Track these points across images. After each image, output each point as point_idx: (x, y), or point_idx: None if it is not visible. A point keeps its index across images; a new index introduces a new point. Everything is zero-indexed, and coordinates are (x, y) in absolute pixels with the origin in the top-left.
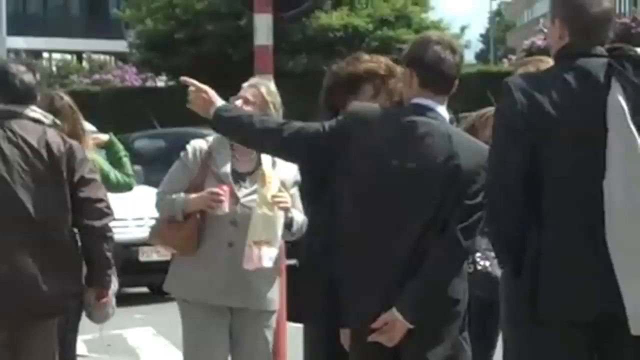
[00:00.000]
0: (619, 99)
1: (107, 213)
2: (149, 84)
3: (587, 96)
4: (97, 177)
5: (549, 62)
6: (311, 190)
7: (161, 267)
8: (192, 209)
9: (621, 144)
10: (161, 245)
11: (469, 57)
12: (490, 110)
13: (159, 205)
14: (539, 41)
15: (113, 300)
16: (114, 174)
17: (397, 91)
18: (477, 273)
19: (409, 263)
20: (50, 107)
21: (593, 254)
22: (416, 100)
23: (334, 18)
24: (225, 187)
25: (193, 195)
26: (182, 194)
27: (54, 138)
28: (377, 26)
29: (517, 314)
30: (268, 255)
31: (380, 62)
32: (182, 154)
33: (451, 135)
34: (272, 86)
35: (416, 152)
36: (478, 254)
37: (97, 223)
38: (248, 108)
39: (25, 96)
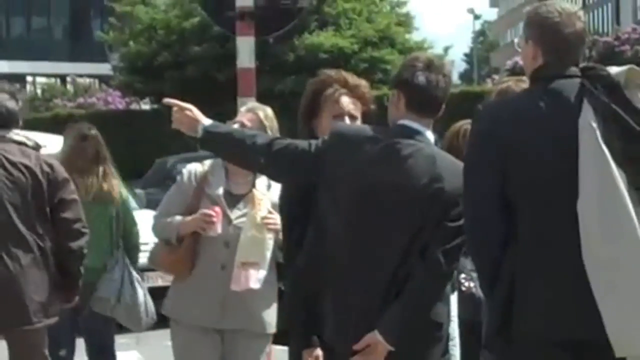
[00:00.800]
0: (589, 121)
1: (83, 233)
2: (134, 106)
3: (558, 119)
4: (77, 197)
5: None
6: (294, 209)
7: (165, 293)
8: (186, 231)
9: (593, 165)
10: (159, 269)
11: (453, 77)
12: (463, 122)
13: (155, 229)
14: (522, 61)
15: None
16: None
17: (344, 103)
18: (462, 294)
19: (391, 285)
20: (80, 137)
21: (568, 275)
22: (402, 121)
23: (321, 38)
24: (217, 209)
25: (187, 218)
26: (178, 217)
27: (37, 160)
28: (362, 47)
29: (491, 334)
30: (256, 277)
31: (331, 75)
32: (178, 177)
33: (435, 157)
34: (270, 111)
35: (399, 173)
36: (463, 275)
37: (74, 245)
38: None
39: (9, 121)
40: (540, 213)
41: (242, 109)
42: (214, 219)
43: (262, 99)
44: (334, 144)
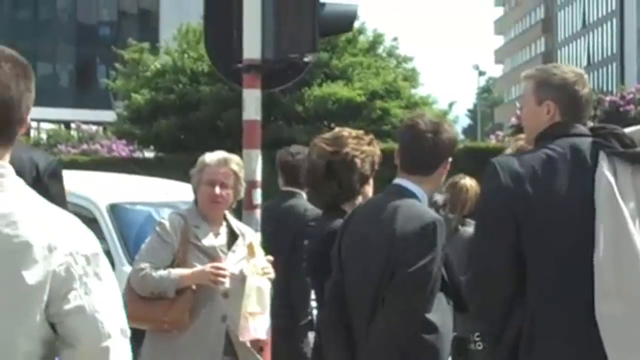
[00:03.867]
0: (606, 175)
1: None
2: (137, 154)
3: (574, 174)
4: None
5: None
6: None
7: None
8: (188, 284)
9: (610, 221)
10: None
11: (457, 132)
12: (458, 177)
13: (140, 282)
14: None
15: None
16: None
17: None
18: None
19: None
20: None
21: (579, 332)
22: (396, 181)
23: (331, 89)
24: (223, 262)
25: (188, 271)
26: (174, 270)
27: None
28: (369, 99)
29: None
30: (262, 326)
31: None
32: (157, 228)
33: (399, 207)
34: (237, 158)
35: (369, 230)
36: (477, 334)
37: None
38: (225, 192)
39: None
40: (553, 268)
41: (212, 162)
42: (226, 272)
43: (269, 147)
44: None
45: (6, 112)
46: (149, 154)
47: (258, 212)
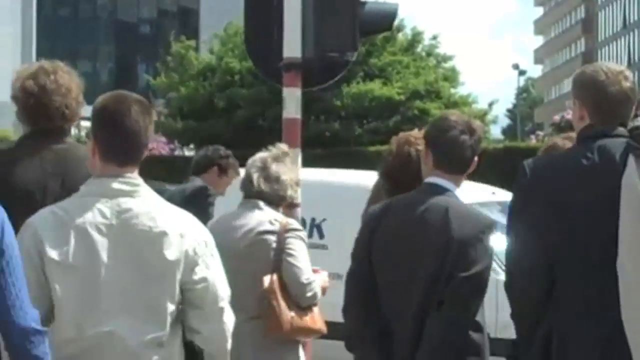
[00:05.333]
0: (633, 178)
1: None
2: (177, 153)
3: (602, 176)
4: None
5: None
6: None
7: None
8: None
9: (635, 222)
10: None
11: (496, 132)
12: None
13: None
14: (568, 115)
15: None
16: None
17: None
18: None
19: (414, 337)
20: None
21: (607, 336)
22: (429, 179)
23: (369, 87)
24: None
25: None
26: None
27: None
28: (409, 98)
29: None
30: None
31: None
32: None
33: (448, 208)
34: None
35: (414, 230)
36: None
37: None
38: None
39: None
40: (581, 269)
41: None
42: None
43: (309, 145)
44: (369, 229)
45: (138, 139)
46: (189, 153)
47: (299, 211)
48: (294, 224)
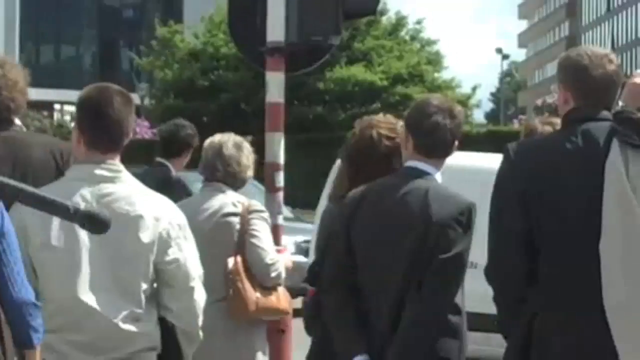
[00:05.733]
0: (616, 162)
1: None
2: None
3: (585, 160)
4: None
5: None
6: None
7: None
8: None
9: (617, 206)
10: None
11: (479, 116)
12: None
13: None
14: (550, 99)
15: None
16: None
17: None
18: None
19: (394, 319)
20: None
21: (590, 319)
22: (410, 163)
23: (352, 71)
24: None
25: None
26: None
27: None
28: (391, 83)
29: None
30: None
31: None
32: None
33: (428, 190)
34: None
35: (395, 212)
36: None
37: None
38: None
39: None
40: (563, 253)
41: None
42: None
43: (290, 130)
44: (347, 215)
45: (120, 128)
46: None
47: (280, 195)
48: (257, 205)
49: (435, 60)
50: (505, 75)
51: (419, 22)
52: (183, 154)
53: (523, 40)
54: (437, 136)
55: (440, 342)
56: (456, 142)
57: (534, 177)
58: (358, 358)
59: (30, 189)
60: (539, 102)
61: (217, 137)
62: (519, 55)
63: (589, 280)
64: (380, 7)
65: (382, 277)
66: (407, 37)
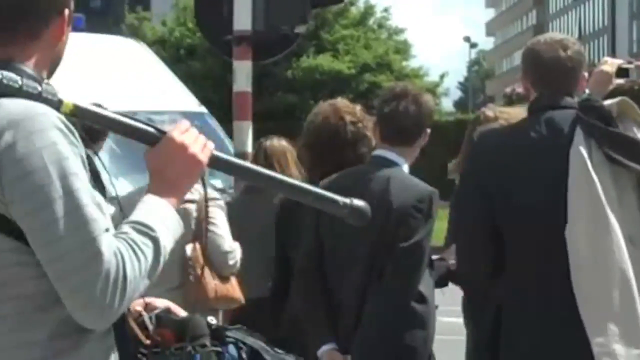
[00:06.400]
0: (580, 149)
1: None
2: None
3: (549, 148)
4: None
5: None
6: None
7: None
8: None
9: (582, 194)
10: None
11: (448, 105)
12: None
13: None
14: (519, 88)
15: None
16: None
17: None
18: None
19: (358, 310)
20: None
21: (557, 306)
22: (377, 152)
23: (319, 61)
24: None
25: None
26: None
27: None
28: (359, 72)
29: None
30: None
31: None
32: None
33: (390, 178)
34: None
35: (361, 194)
36: None
37: None
38: None
39: None
40: (529, 242)
41: None
42: None
43: (259, 119)
44: None
45: None
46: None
47: None
48: (213, 193)
49: (402, 49)
50: (473, 64)
51: (385, 10)
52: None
53: (490, 28)
54: (396, 121)
55: (404, 332)
56: (425, 130)
57: (497, 167)
58: (325, 347)
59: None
60: (508, 90)
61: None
62: (486, 43)
63: (556, 265)
64: None
65: (346, 269)
66: (375, 26)
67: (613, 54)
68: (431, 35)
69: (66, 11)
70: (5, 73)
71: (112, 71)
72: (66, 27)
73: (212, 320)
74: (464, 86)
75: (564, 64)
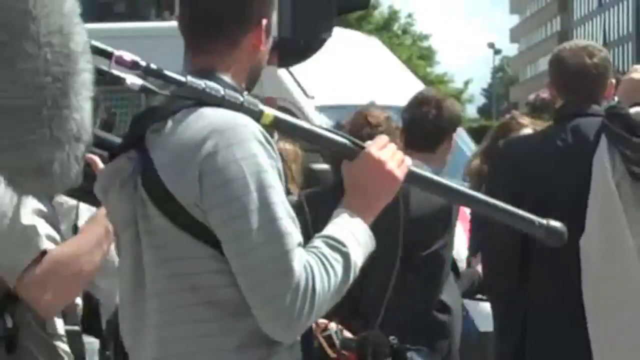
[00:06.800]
0: (603, 159)
1: None
2: None
3: (573, 157)
4: None
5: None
6: None
7: None
8: None
9: (601, 203)
10: None
11: (472, 111)
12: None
13: None
14: (544, 94)
15: None
16: None
17: None
18: None
19: (379, 320)
20: None
21: (574, 316)
22: None
23: None
24: None
25: None
26: None
27: None
28: None
29: None
30: None
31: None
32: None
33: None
34: None
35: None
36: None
37: None
38: None
39: None
40: (554, 249)
41: None
42: None
43: None
44: None
45: None
46: None
47: None
48: None
49: (427, 55)
50: (497, 70)
51: (410, 16)
52: None
53: (515, 35)
54: (415, 126)
55: (425, 341)
56: (450, 136)
57: (527, 175)
58: None
59: None
60: (531, 97)
61: None
62: (511, 50)
63: (572, 276)
64: (372, 1)
65: (363, 276)
66: (399, 32)
67: (638, 60)
68: (455, 41)
69: (264, 21)
70: (209, 82)
71: (360, 67)
72: (265, 38)
73: (393, 339)
74: (487, 92)
75: (589, 71)
